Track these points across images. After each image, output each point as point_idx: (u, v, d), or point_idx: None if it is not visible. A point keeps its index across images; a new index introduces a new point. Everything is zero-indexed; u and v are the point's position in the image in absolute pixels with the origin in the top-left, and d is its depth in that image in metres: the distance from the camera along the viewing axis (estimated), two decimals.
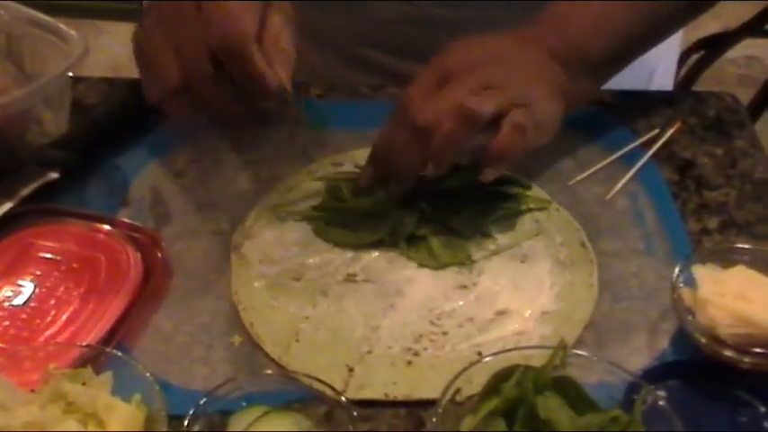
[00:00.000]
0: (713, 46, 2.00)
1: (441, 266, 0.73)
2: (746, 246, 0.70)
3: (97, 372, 0.61)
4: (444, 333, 0.68)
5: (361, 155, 0.79)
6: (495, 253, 0.74)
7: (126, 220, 0.75)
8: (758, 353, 0.62)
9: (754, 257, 0.68)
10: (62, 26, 0.82)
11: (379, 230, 0.75)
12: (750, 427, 0.62)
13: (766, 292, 0.65)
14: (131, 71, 0.88)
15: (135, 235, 0.74)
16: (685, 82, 2.00)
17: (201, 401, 0.60)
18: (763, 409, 0.63)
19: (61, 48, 0.81)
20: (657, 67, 1.02)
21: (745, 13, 1.87)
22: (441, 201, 0.76)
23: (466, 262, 0.73)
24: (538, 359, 0.61)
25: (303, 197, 0.78)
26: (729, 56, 2.19)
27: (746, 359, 0.63)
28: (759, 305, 0.63)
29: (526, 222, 0.77)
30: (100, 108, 0.87)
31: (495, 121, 0.69)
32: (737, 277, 0.66)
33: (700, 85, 2.01)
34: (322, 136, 0.85)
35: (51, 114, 0.83)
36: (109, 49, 2.28)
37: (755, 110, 1.83)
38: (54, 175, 0.79)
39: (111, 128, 0.84)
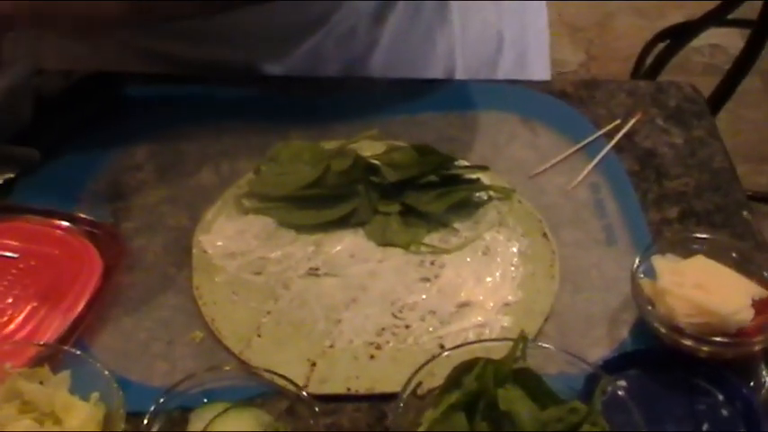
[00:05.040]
0: (678, 35, 2.02)
1: (396, 244, 0.74)
2: (705, 236, 0.70)
3: (54, 370, 0.60)
4: (407, 326, 0.68)
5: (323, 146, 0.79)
6: (457, 246, 0.74)
7: (84, 216, 0.74)
8: (716, 341, 0.63)
9: (712, 247, 0.69)
10: None
11: (342, 209, 0.75)
12: (708, 415, 0.63)
13: (724, 282, 0.66)
14: (90, 63, 0.87)
15: (94, 231, 0.73)
16: (651, 71, 2.01)
17: (161, 399, 0.59)
18: (721, 397, 0.63)
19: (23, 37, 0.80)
20: (528, 50, 1.01)
21: (709, 2, 1.89)
22: (401, 185, 0.76)
23: (421, 247, 0.74)
24: (499, 351, 0.61)
25: (265, 187, 0.78)
26: (694, 45, 2.21)
27: (705, 348, 0.64)
28: (716, 295, 0.64)
29: (488, 214, 0.77)
30: (58, 102, 0.85)
31: None
32: (696, 267, 0.67)
33: (665, 74, 2.03)
34: (285, 131, 0.84)
35: (15, 105, 0.81)
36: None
37: (720, 98, 1.84)
38: (11, 174, 0.78)
39: (69, 122, 0.83)
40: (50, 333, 0.66)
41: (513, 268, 0.73)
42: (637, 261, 0.68)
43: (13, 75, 0.77)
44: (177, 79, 0.90)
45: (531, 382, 0.60)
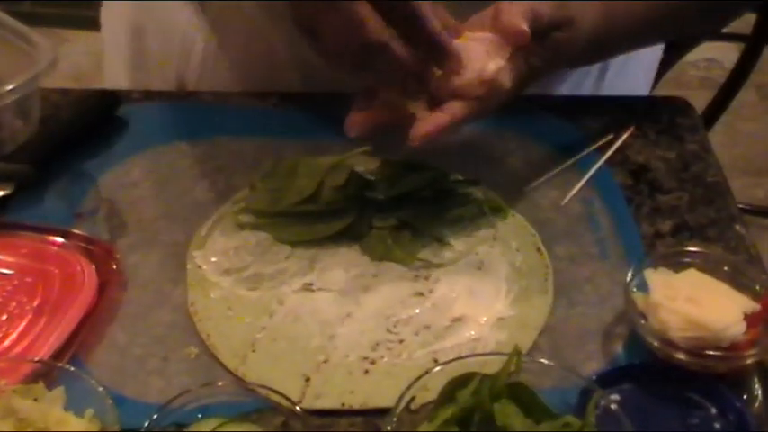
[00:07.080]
0: (672, 50, 2.03)
1: (391, 259, 0.74)
2: (697, 249, 0.71)
3: (49, 387, 0.60)
4: (401, 341, 0.69)
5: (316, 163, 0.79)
6: (451, 260, 0.74)
7: (80, 233, 0.75)
8: (708, 355, 0.63)
9: (704, 260, 0.69)
10: (30, 31, 0.81)
11: (336, 225, 0.75)
12: (702, 428, 0.63)
13: (716, 296, 0.66)
14: (95, 80, 0.87)
15: (89, 247, 0.73)
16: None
17: (155, 415, 0.59)
18: (714, 410, 0.63)
19: (29, 53, 0.80)
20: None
21: None
22: (396, 201, 0.77)
23: (415, 262, 0.74)
24: (493, 365, 0.61)
25: (260, 203, 0.78)
26: (689, 59, 2.22)
27: (697, 361, 0.64)
28: (709, 308, 0.64)
29: (482, 228, 0.77)
30: (54, 119, 0.86)
31: None
32: (688, 281, 0.67)
33: (660, 88, 2.03)
34: (280, 146, 0.85)
35: (20, 121, 0.82)
36: (71, 58, 2.26)
37: (715, 112, 1.85)
38: (7, 191, 0.78)
39: (66, 139, 0.83)
40: (45, 349, 0.66)
41: (506, 283, 0.73)
42: (629, 275, 0.68)
43: (25, 80, 0.77)
44: (173, 96, 0.90)
45: (524, 397, 0.60)
